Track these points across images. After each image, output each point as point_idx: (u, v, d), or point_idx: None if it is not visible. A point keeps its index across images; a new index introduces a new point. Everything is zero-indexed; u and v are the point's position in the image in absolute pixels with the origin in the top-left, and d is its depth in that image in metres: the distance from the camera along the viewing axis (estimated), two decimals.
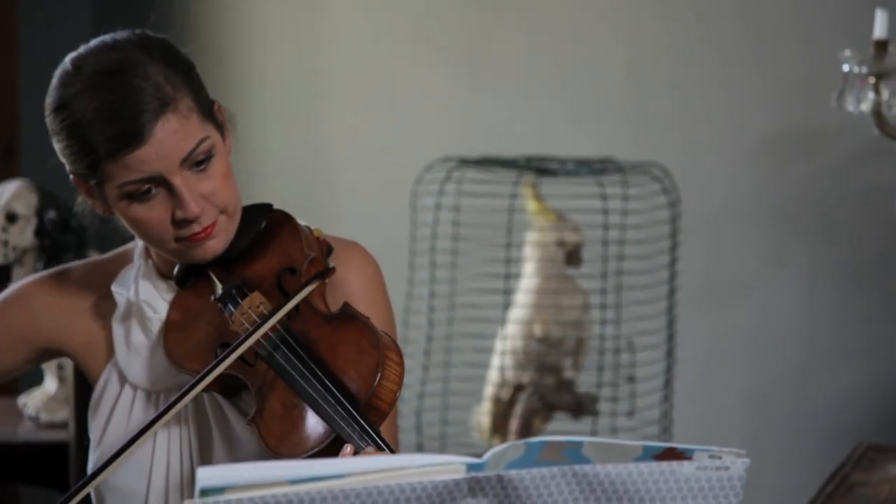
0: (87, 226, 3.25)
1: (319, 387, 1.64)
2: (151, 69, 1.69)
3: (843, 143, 3.51)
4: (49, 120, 1.71)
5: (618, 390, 3.38)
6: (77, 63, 1.70)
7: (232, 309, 1.72)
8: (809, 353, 3.63)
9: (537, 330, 3.39)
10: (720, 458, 1.40)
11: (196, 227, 1.69)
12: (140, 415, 1.77)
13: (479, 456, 1.35)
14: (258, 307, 1.71)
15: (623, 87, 3.72)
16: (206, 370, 1.67)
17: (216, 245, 1.72)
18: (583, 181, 3.36)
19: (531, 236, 3.43)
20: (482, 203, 3.36)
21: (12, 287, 1.86)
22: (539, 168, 3.39)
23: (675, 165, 3.49)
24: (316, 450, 1.62)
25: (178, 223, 1.69)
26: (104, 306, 1.81)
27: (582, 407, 3.42)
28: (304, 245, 1.75)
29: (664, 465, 1.38)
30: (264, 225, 1.78)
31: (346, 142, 3.97)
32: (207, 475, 1.23)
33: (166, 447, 1.76)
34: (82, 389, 2.14)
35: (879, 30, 2.67)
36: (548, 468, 1.35)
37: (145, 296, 1.78)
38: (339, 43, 3.91)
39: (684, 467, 1.38)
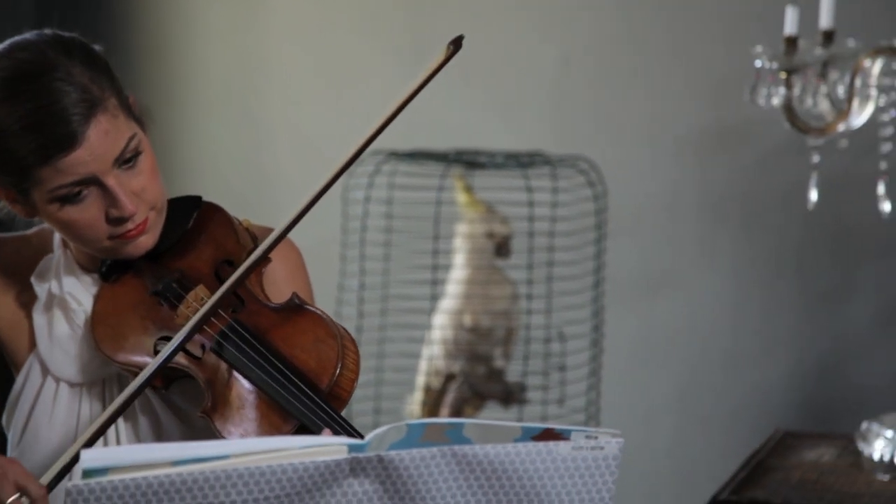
0: (14, 219, 3.28)
1: (279, 377, 1.61)
2: (74, 70, 1.65)
3: (760, 137, 3.57)
4: None
5: (548, 379, 3.43)
6: (19, 57, 1.66)
7: (176, 302, 1.69)
8: (734, 343, 3.69)
9: (467, 320, 3.43)
10: (595, 438, 1.44)
11: (130, 225, 1.67)
12: (63, 408, 1.74)
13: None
14: (202, 300, 1.68)
15: (551, 82, 3.76)
16: (155, 364, 1.61)
17: (147, 241, 1.70)
18: (511, 174, 3.41)
19: (461, 228, 3.47)
20: (413, 195, 3.40)
21: None
22: (468, 161, 3.43)
23: (601, 159, 3.54)
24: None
25: (113, 221, 1.67)
26: (28, 292, 1.78)
27: (511, 395, 3.46)
28: (239, 236, 1.74)
29: (541, 445, 1.42)
30: (195, 218, 1.76)
31: (284, 135, 3.99)
32: (90, 456, 1.25)
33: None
34: None
35: (790, 26, 2.73)
36: (428, 448, 1.38)
37: (69, 288, 1.75)
38: (279, 37, 3.93)
39: (560, 447, 1.42)
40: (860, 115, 2.75)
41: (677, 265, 3.71)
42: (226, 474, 1.30)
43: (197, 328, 1.63)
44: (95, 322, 1.72)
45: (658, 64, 3.67)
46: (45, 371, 1.76)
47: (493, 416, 3.48)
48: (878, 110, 2.76)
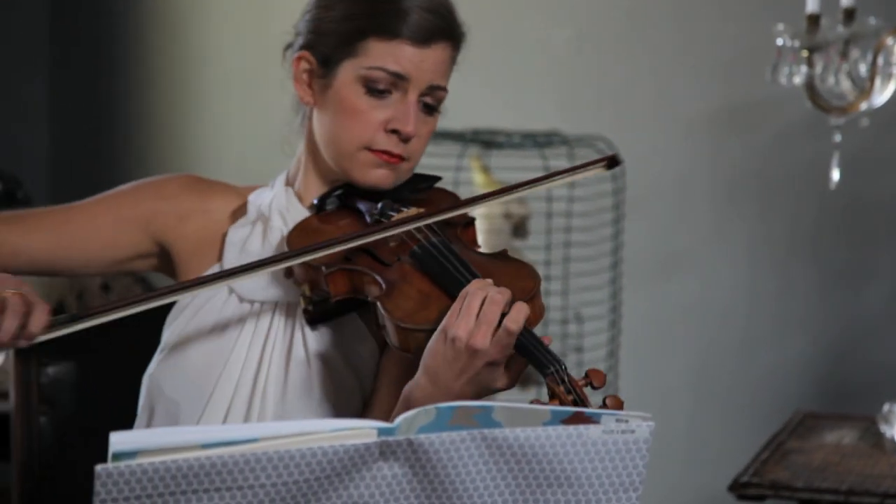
0: (32, 198, 3.28)
1: (468, 279, 1.63)
2: (451, 7, 1.77)
3: (778, 116, 3.55)
4: None
5: (565, 360, 3.42)
6: None
7: (392, 214, 1.72)
8: (750, 324, 3.68)
9: None
10: (626, 421, 1.43)
11: (394, 148, 1.72)
12: (227, 318, 1.75)
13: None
14: (416, 214, 1.72)
15: (568, 61, 3.75)
16: (361, 233, 1.66)
17: (387, 177, 1.74)
18: (529, 154, 3.39)
19: (478, 209, 3.46)
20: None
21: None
22: (486, 141, 3.41)
23: (619, 139, 3.52)
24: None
25: (388, 133, 1.71)
26: (227, 213, 1.82)
27: (529, 376, 3.46)
28: (463, 209, 1.76)
29: (571, 428, 1.40)
30: (428, 188, 1.81)
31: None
32: (119, 440, 1.25)
33: (239, 370, 1.74)
34: (23, 357, 2.15)
35: (812, 4, 2.70)
36: (457, 432, 1.37)
37: (279, 206, 1.78)
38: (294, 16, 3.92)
39: (591, 430, 1.41)
40: (882, 94, 2.73)
41: (693, 246, 3.69)
42: (255, 457, 1.29)
43: (410, 224, 1.67)
44: (292, 233, 1.73)
45: (673, 43, 3.65)
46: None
47: (510, 397, 3.47)
48: None
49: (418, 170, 1.83)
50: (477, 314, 1.56)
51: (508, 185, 1.82)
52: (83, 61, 4.33)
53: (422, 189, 1.81)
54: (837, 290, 3.61)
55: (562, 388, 1.57)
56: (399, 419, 1.36)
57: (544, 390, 1.61)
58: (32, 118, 4.30)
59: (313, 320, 1.75)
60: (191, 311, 1.78)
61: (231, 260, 1.76)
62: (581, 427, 1.41)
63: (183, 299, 1.77)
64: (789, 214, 3.62)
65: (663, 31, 3.67)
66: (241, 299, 1.76)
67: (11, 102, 4.25)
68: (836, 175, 2.78)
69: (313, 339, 1.75)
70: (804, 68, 2.71)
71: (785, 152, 3.58)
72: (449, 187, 3.32)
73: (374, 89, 1.72)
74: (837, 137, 2.76)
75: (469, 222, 1.79)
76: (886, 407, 2.78)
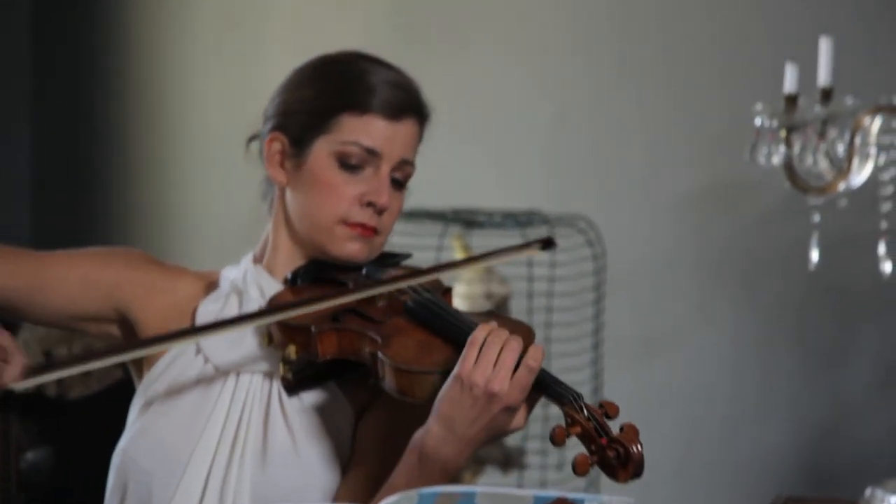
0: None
1: (472, 328, 1.65)
2: (416, 85, 1.84)
3: (759, 196, 3.57)
4: (300, 71, 1.80)
5: (546, 443, 3.40)
6: (352, 50, 1.82)
7: (379, 276, 1.75)
8: (733, 404, 3.66)
9: None
10: None
11: (369, 220, 1.75)
12: (203, 388, 1.75)
13: None
14: (404, 274, 1.76)
15: (549, 140, 3.76)
16: (357, 293, 1.69)
17: (362, 250, 1.77)
18: (510, 233, 3.39)
19: (459, 288, 3.46)
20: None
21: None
22: (466, 220, 3.42)
23: (599, 219, 3.54)
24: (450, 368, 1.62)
25: (363, 206, 1.74)
26: (194, 292, 1.83)
27: (510, 460, 3.43)
28: (428, 270, 1.80)
29: None
30: (397, 262, 1.84)
31: None
32: None
33: (216, 440, 1.74)
34: (2, 444, 2.12)
35: (790, 84, 2.73)
36: None
37: (255, 279, 1.80)
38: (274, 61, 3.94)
39: None
40: (860, 174, 2.75)
41: (676, 325, 3.69)
42: None
43: (403, 281, 1.72)
44: (272, 302, 1.75)
45: (656, 121, 3.67)
46: (199, 350, 1.78)
47: (491, 481, 3.44)
48: (878, 169, 2.76)
49: (400, 249, 1.86)
50: (495, 359, 1.58)
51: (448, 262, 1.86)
52: (65, 127, 4.34)
53: (392, 265, 1.83)
54: (820, 371, 3.61)
55: (581, 414, 1.59)
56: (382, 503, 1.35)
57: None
58: (13, 180, 4.30)
59: (291, 388, 1.75)
60: (164, 382, 1.77)
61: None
62: None
63: (154, 370, 1.78)
64: (772, 294, 3.62)
65: (644, 111, 3.70)
66: (217, 369, 1.76)
67: None
68: (815, 255, 2.79)
69: (292, 407, 1.75)
70: (783, 148, 2.72)
71: (766, 232, 3.59)
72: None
73: (347, 164, 1.75)
74: (816, 218, 2.77)
75: (447, 290, 1.82)
76: (869, 491, 2.76)
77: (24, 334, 2.32)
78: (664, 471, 3.71)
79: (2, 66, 4.30)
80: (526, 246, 1.85)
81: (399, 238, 3.43)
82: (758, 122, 2.73)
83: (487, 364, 1.58)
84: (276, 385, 1.75)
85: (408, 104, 1.78)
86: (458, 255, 3.47)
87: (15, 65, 4.32)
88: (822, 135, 2.75)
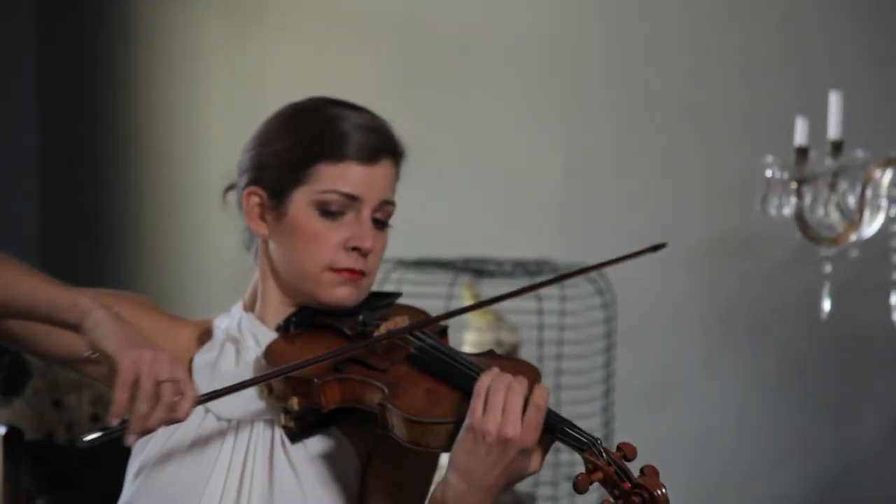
0: None
1: (469, 370, 1.66)
2: (388, 126, 1.84)
3: (770, 247, 3.57)
4: (274, 124, 1.81)
5: (557, 489, 3.39)
6: (321, 96, 1.83)
7: (378, 322, 1.75)
8: (741, 455, 3.65)
9: None
10: None
11: (355, 265, 1.76)
12: (204, 438, 1.75)
13: None
14: (400, 322, 1.76)
15: (559, 190, 3.77)
16: (358, 344, 1.69)
17: (351, 294, 1.78)
18: (519, 283, 3.39)
19: (469, 336, 3.46)
20: (420, 304, 3.38)
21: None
22: (476, 269, 3.42)
23: (610, 268, 3.53)
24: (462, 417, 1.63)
25: (347, 251, 1.76)
26: (192, 341, 1.84)
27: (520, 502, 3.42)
28: (432, 320, 1.80)
29: None
30: (391, 304, 1.84)
31: None
32: None
33: (221, 487, 1.74)
34: (12, 493, 2.12)
35: (800, 136, 2.74)
36: None
37: (249, 327, 1.81)
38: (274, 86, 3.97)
39: None
40: (871, 226, 2.76)
41: (686, 375, 3.68)
42: None
43: (409, 330, 1.71)
44: (269, 350, 1.76)
45: (664, 172, 3.68)
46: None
47: None
48: (889, 220, 2.77)
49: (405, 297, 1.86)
50: (502, 405, 1.59)
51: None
52: (70, 130, 4.36)
53: (383, 305, 1.83)
54: (829, 422, 3.60)
55: (601, 459, 1.60)
56: None
57: None
58: (22, 193, 4.31)
59: (294, 436, 1.75)
60: (163, 434, 1.76)
61: (203, 384, 1.75)
62: None
63: None
64: (782, 345, 3.62)
65: (654, 160, 3.71)
66: (219, 418, 1.76)
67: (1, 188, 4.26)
68: (826, 305, 2.79)
69: (296, 454, 1.75)
70: (794, 199, 2.74)
71: (776, 282, 3.59)
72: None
73: (328, 212, 1.77)
74: (828, 268, 2.78)
75: (443, 330, 1.82)
76: None
77: (35, 382, 2.32)
78: None
79: (8, 68, 4.32)
80: (638, 253, 1.87)
81: (409, 287, 3.44)
82: (769, 173, 2.75)
83: (496, 411, 1.59)
84: (279, 432, 1.75)
85: (382, 146, 1.79)
86: (468, 304, 3.47)
87: (20, 66, 4.34)
88: (832, 186, 2.77)
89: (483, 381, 1.61)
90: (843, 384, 3.58)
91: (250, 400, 1.75)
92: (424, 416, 1.62)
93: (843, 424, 3.58)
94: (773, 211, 2.75)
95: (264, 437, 1.75)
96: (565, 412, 3.37)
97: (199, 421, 1.76)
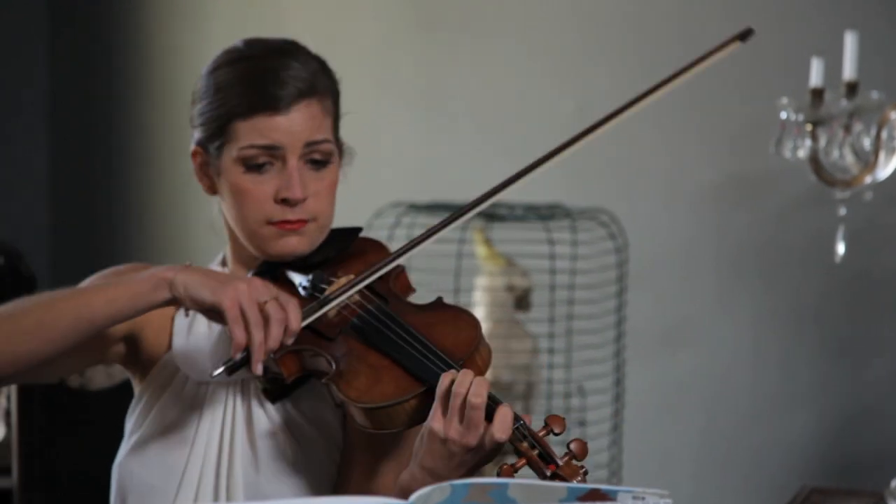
0: (33, 273, 3.26)
1: (418, 346, 1.66)
2: (312, 62, 1.79)
3: (782, 189, 3.55)
4: (202, 82, 1.80)
5: (568, 435, 3.39)
6: (249, 41, 1.81)
7: (324, 286, 1.74)
8: (754, 396, 3.65)
9: (487, 374, 3.40)
10: (643, 499, 1.41)
11: (290, 215, 1.75)
12: (187, 403, 1.78)
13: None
14: (347, 281, 1.73)
15: (570, 133, 3.74)
16: (309, 315, 1.67)
17: (300, 243, 1.77)
18: (531, 227, 3.38)
19: (481, 281, 3.45)
20: (431, 248, 3.37)
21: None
22: (488, 213, 3.41)
23: (622, 211, 3.52)
24: (403, 399, 1.62)
25: (280, 203, 1.75)
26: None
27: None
28: (388, 260, 1.77)
29: None
30: (351, 243, 1.83)
31: None
32: None
33: (203, 450, 1.77)
34: (26, 434, 2.13)
35: (815, 78, 2.71)
36: None
37: None
38: None
39: None
40: (886, 168, 2.73)
41: (698, 317, 3.68)
42: None
43: (346, 293, 1.69)
44: None
45: (677, 115, 3.66)
46: (176, 369, 1.81)
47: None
48: None
49: None
50: (461, 410, 1.59)
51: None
52: (82, 132, 4.34)
53: (345, 246, 1.82)
54: (842, 363, 3.59)
55: (525, 444, 1.59)
56: (414, 496, 1.35)
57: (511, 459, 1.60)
58: (33, 191, 4.30)
59: (274, 397, 1.78)
60: (151, 398, 1.81)
61: (179, 345, 1.80)
62: None
63: (144, 385, 1.81)
64: (793, 287, 3.61)
65: (667, 103, 3.66)
66: (198, 383, 1.79)
67: (11, 175, 4.25)
68: (841, 248, 2.78)
69: (276, 413, 1.78)
70: (808, 142, 2.71)
71: (789, 225, 3.58)
72: (452, 260, 3.36)
73: (252, 165, 1.76)
74: (842, 211, 2.76)
75: (401, 271, 1.81)
76: (894, 483, 2.75)
77: None
78: (685, 463, 3.70)
79: (20, 60, 4.31)
80: (726, 44, 1.88)
81: (420, 231, 3.42)
82: (783, 115, 2.72)
83: (456, 418, 1.59)
84: (255, 391, 1.78)
85: (296, 90, 1.76)
86: (480, 248, 3.46)
87: (32, 57, 4.33)
88: (847, 128, 2.74)
89: (444, 382, 1.60)
90: (855, 325, 3.58)
91: (222, 361, 1.75)
92: (368, 400, 1.63)
93: (857, 366, 3.58)
94: (787, 153, 2.73)
95: (242, 399, 1.79)
96: (577, 356, 3.39)
97: (181, 386, 1.80)
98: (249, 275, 1.81)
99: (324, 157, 1.79)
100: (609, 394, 3.44)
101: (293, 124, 1.75)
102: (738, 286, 3.65)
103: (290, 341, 1.65)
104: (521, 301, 3.42)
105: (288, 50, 1.79)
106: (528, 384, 3.41)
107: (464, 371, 1.61)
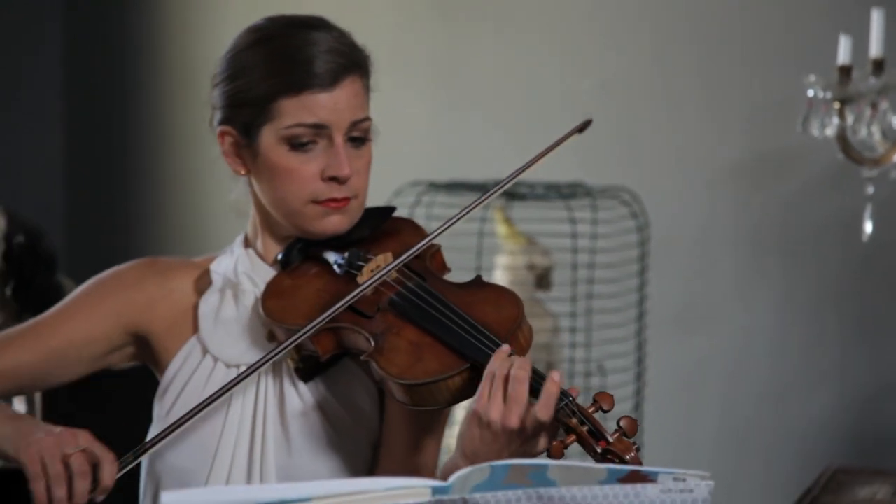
0: (54, 251, 3.26)
1: (462, 322, 1.63)
2: (346, 37, 1.75)
3: (809, 167, 3.53)
4: (229, 62, 1.75)
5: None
6: (273, 18, 1.76)
7: (359, 268, 1.72)
8: (777, 376, 3.64)
9: None
10: (684, 480, 1.39)
11: (337, 193, 1.72)
12: (215, 387, 1.74)
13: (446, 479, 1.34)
14: (384, 260, 1.73)
15: (592, 112, 3.72)
16: (343, 302, 1.65)
17: (341, 222, 1.75)
18: (552, 205, 3.37)
19: (501, 260, 3.44)
20: (452, 227, 3.36)
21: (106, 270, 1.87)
22: (509, 192, 3.39)
23: (643, 190, 3.50)
24: (446, 375, 1.60)
25: (326, 181, 1.72)
26: (191, 287, 1.82)
27: None
28: (427, 239, 1.75)
29: (628, 487, 1.37)
30: (386, 222, 1.81)
31: None
32: (171, 499, 1.22)
33: (236, 431, 1.75)
34: (48, 413, 2.13)
35: (843, 56, 2.69)
36: (513, 491, 1.34)
37: (245, 269, 1.79)
38: None
39: (648, 490, 1.38)
40: None
41: (721, 296, 3.66)
42: None
43: (382, 276, 1.67)
44: (267, 295, 1.74)
45: (700, 93, 3.64)
46: (205, 351, 1.78)
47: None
48: None
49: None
50: (504, 394, 1.57)
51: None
52: (98, 113, 4.33)
53: (379, 224, 1.80)
54: (866, 343, 3.58)
55: (574, 419, 1.56)
56: (453, 477, 1.33)
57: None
58: (48, 175, 4.30)
59: (307, 376, 1.75)
60: (178, 384, 1.78)
61: (207, 330, 1.77)
62: (638, 486, 1.38)
63: (167, 375, 1.79)
64: (817, 265, 3.59)
65: (689, 81, 3.66)
66: (228, 365, 1.77)
67: (28, 160, 4.25)
68: (868, 227, 2.76)
69: (309, 393, 1.76)
70: (836, 119, 2.69)
71: (813, 203, 3.56)
72: (473, 238, 3.35)
73: (298, 144, 1.72)
74: (870, 189, 2.74)
75: (437, 250, 1.79)
76: None
77: None
78: (707, 443, 3.69)
79: (35, 41, 4.30)
80: (567, 136, 1.88)
81: (441, 210, 3.42)
82: (811, 93, 2.71)
83: (499, 399, 1.57)
84: (287, 372, 1.76)
85: (342, 66, 1.72)
86: (500, 227, 3.44)
87: (47, 39, 4.32)
88: (875, 106, 2.72)
89: (492, 365, 1.58)
90: (879, 304, 3.56)
91: (253, 345, 1.76)
92: (410, 376, 1.61)
93: (881, 342, 3.56)
94: (814, 131, 2.72)
95: (273, 380, 1.76)
96: (597, 335, 3.38)
97: (209, 371, 1.77)
98: (279, 256, 1.79)
99: (364, 134, 1.76)
100: (630, 373, 3.43)
101: (341, 101, 1.72)
102: (760, 265, 3.64)
103: (100, 498, 1.61)
104: (542, 280, 3.41)
105: (320, 25, 1.76)
106: (548, 363, 3.40)
107: (511, 358, 1.59)
